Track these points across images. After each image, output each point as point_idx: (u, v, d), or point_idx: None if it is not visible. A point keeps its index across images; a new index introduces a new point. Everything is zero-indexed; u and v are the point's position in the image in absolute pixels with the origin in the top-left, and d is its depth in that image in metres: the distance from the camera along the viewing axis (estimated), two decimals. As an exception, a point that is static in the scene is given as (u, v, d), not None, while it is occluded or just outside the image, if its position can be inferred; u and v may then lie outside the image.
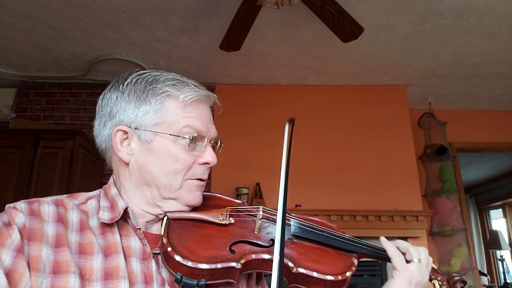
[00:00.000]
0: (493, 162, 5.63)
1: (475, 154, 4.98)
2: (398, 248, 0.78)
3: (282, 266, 0.53)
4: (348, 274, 0.71)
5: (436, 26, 2.80)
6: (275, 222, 0.75)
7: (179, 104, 0.71)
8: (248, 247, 0.70)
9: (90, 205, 0.71)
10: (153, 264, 0.67)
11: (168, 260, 0.64)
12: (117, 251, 0.65)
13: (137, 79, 0.73)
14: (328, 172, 3.41)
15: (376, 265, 3.12)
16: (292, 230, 0.75)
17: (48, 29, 2.86)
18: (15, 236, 0.59)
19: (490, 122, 4.06)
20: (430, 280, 0.80)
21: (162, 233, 0.67)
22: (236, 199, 0.82)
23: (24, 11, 2.65)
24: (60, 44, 3.06)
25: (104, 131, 0.74)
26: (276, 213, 0.66)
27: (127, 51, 3.16)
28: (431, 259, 0.78)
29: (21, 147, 2.97)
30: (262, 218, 0.75)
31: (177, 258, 0.62)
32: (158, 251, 0.68)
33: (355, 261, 0.75)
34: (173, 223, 0.70)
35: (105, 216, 0.68)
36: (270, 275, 0.53)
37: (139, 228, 0.70)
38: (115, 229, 0.68)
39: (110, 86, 0.75)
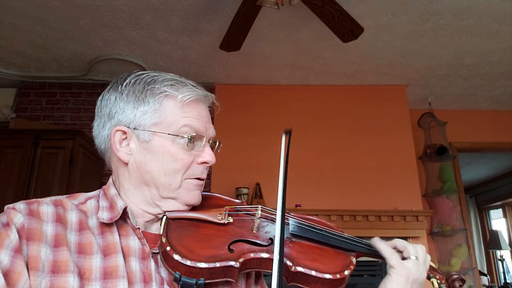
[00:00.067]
0: (493, 162, 5.63)
1: (475, 154, 4.98)
2: (396, 247, 0.78)
3: (282, 264, 0.53)
4: (346, 272, 0.71)
5: (436, 26, 2.80)
6: (274, 221, 0.76)
7: (177, 104, 0.72)
8: (247, 246, 0.70)
9: (89, 205, 0.71)
10: (152, 263, 0.68)
11: (167, 259, 0.64)
12: (116, 250, 0.66)
13: (136, 80, 0.74)
14: (328, 172, 3.41)
15: (376, 265, 3.12)
16: (290, 229, 0.75)
17: (48, 29, 2.86)
18: (13, 236, 0.59)
19: (490, 122, 4.06)
20: (429, 278, 0.80)
21: (161, 233, 0.68)
22: (236, 199, 0.83)
23: (24, 11, 2.65)
24: (60, 44, 3.06)
25: (103, 131, 0.74)
26: (275, 212, 0.66)
27: (127, 51, 3.16)
28: (429, 257, 0.78)
29: (21, 147, 2.97)
30: (260, 217, 0.76)
31: (176, 257, 0.63)
32: (157, 251, 0.68)
33: (354, 260, 0.75)
34: (172, 223, 0.70)
35: (104, 216, 0.69)
36: (269, 274, 0.53)
37: (138, 228, 0.70)
38: (114, 229, 0.69)
39: (109, 87, 0.76)
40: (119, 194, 0.73)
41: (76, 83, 3.62)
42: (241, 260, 0.66)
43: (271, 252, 0.68)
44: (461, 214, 3.73)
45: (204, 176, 0.76)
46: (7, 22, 2.77)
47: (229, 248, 0.68)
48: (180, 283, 0.63)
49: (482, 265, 6.30)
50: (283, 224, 0.57)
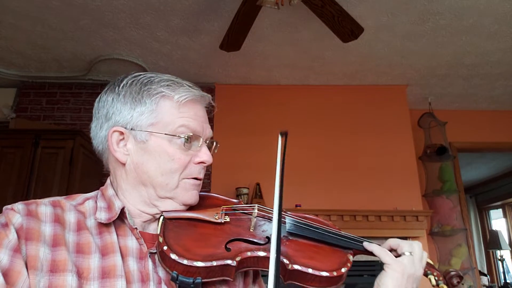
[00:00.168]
0: (493, 162, 5.63)
1: (475, 154, 4.98)
2: (390, 246, 0.79)
3: (279, 262, 0.54)
4: (343, 270, 0.71)
5: (436, 26, 2.80)
6: (271, 220, 0.76)
7: (174, 105, 0.72)
8: (244, 245, 0.70)
9: (88, 206, 0.72)
10: (149, 263, 0.68)
11: (164, 259, 0.64)
12: (114, 250, 0.66)
13: (133, 81, 0.74)
14: (328, 172, 3.41)
15: (376, 265, 3.12)
16: (287, 228, 0.76)
17: (48, 29, 2.86)
18: (12, 236, 0.60)
19: (490, 122, 4.06)
20: (426, 275, 0.80)
21: (158, 232, 0.68)
22: (236, 199, 0.83)
23: (24, 11, 2.65)
24: (60, 44, 3.06)
25: (100, 132, 0.75)
26: (271, 211, 0.66)
27: (127, 51, 3.16)
28: (425, 253, 0.79)
29: (21, 147, 2.97)
30: (257, 216, 0.76)
31: (173, 256, 0.63)
32: (155, 251, 0.69)
33: (351, 258, 0.76)
34: (169, 223, 0.71)
35: (102, 216, 0.69)
36: (267, 272, 0.53)
37: (136, 228, 0.70)
38: (112, 229, 0.69)
39: (106, 89, 0.77)
40: (116, 194, 0.74)
41: (76, 83, 3.62)
42: (238, 258, 0.66)
43: (268, 250, 0.69)
44: (461, 214, 3.73)
45: (201, 176, 0.76)
46: (7, 22, 2.77)
47: (226, 247, 0.68)
48: (178, 282, 0.63)
49: (482, 265, 6.30)
50: (280, 222, 0.57)
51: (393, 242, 0.79)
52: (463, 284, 3.46)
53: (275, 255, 0.52)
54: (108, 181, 0.77)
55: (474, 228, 6.61)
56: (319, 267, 0.70)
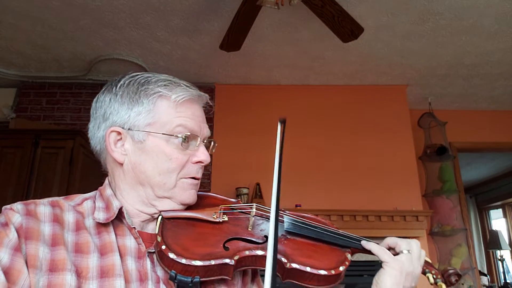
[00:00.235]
0: (493, 162, 5.63)
1: (475, 154, 4.98)
2: (388, 245, 0.79)
3: (276, 260, 0.54)
4: (341, 268, 0.72)
5: (436, 26, 2.80)
6: (269, 219, 0.76)
7: (171, 104, 0.73)
8: (242, 244, 0.71)
9: (86, 206, 0.72)
10: (148, 262, 0.68)
11: (163, 258, 0.65)
12: (113, 249, 0.66)
13: (130, 81, 0.74)
14: (328, 172, 3.41)
15: (376, 265, 3.11)
16: (285, 227, 0.76)
17: (48, 29, 2.86)
18: (12, 235, 0.60)
19: (490, 122, 4.06)
20: (424, 273, 0.80)
21: (157, 232, 0.68)
22: (235, 199, 0.83)
23: (24, 11, 2.66)
24: (60, 44, 3.06)
25: (98, 133, 0.75)
26: (269, 210, 0.67)
27: (127, 51, 3.17)
28: (423, 252, 0.79)
29: (21, 147, 2.97)
30: (255, 215, 0.76)
31: (171, 255, 0.63)
32: (153, 250, 0.69)
33: (349, 256, 0.76)
34: (168, 222, 0.71)
35: (100, 216, 0.69)
36: (264, 270, 0.53)
37: (134, 228, 0.71)
38: (111, 228, 0.69)
39: (103, 89, 0.77)
40: (115, 194, 0.74)
41: (76, 83, 3.62)
42: (236, 257, 0.66)
43: (266, 249, 0.69)
44: (461, 214, 3.73)
45: (199, 175, 0.76)
46: (7, 22, 2.77)
47: (224, 246, 0.68)
48: (176, 281, 0.63)
49: (482, 265, 6.31)
50: (277, 220, 0.58)
51: (391, 240, 0.80)
52: (463, 284, 3.46)
53: (273, 250, 0.52)
54: (106, 181, 0.78)
55: (474, 228, 6.61)
56: (317, 265, 0.70)
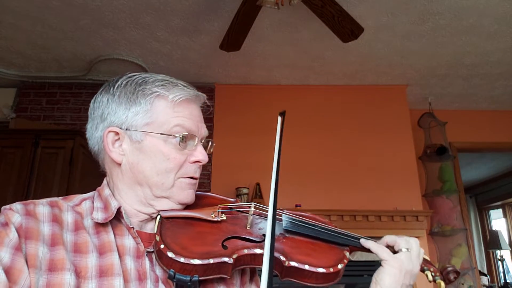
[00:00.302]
0: (493, 162, 5.63)
1: (475, 154, 4.98)
2: (387, 243, 0.79)
3: (272, 258, 0.54)
4: (339, 266, 0.72)
5: (436, 26, 2.80)
6: (267, 218, 0.77)
7: (168, 104, 0.73)
8: (240, 242, 0.71)
9: (84, 206, 0.72)
10: (147, 262, 0.69)
11: (162, 257, 0.65)
12: (112, 249, 0.67)
13: (127, 81, 0.75)
14: (328, 172, 3.41)
15: (376, 265, 3.11)
16: (283, 225, 0.76)
17: (48, 29, 2.86)
18: (13, 235, 0.60)
19: (490, 122, 4.06)
20: (423, 271, 0.80)
21: (155, 231, 0.69)
22: (233, 199, 0.83)
23: (24, 11, 2.66)
24: (60, 44, 3.06)
25: (96, 133, 0.76)
26: (268, 209, 0.67)
27: (127, 51, 3.17)
28: (422, 250, 0.79)
29: (21, 147, 2.97)
30: (253, 214, 0.77)
31: (170, 254, 0.63)
32: (152, 250, 0.69)
33: (347, 254, 0.76)
34: (166, 222, 0.71)
35: (99, 216, 0.70)
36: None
37: (133, 227, 0.71)
38: (109, 228, 0.70)
39: (101, 90, 0.77)
40: (113, 194, 0.74)
41: (76, 83, 3.62)
42: (234, 256, 0.66)
43: (264, 248, 0.69)
44: (461, 214, 3.73)
45: (197, 175, 0.76)
46: (7, 22, 2.77)
47: (222, 244, 0.69)
48: (175, 280, 0.63)
49: (482, 265, 6.30)
50: (275, 215, 0.58)
51: (389, 238, 0.79)
52: (463, 284, 3.46)
53: (269, 250, 0.52)
54: (104, 181, 0.78)
55: (474, 228, 6.61)
56: (315, 263, 0.70)
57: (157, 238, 0.66)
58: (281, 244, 0.73)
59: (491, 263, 6.38)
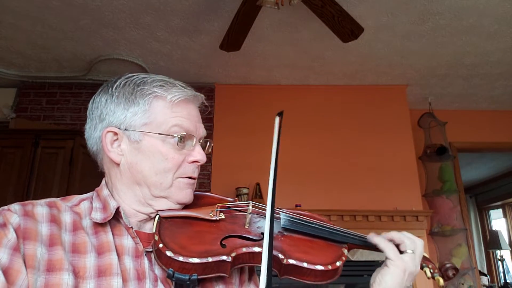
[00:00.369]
0: (493, 162, 5.63)
1: (475, 154, 4.98)
2: (393, 239, 0.79)
3: (271, 256, 0.54)
4: (338, 264, 0.72)
5: (436, 26, 2.80)
6: (265, 216, 0.77)
7: (166, 104, 0.73)
8: (239, 241, 0.71)
9: (83, 207, 0.72)
10: (145, 261, 0.69)
11: (160, 257, 0.65)
12: (110, 249, 0.67)
13: (126, 82, 0.75)
14: (328, 172, 3.41)
15: (376, 265, 3.12)
16: (281, 223, 0.76)
17: (48, 29, 2.86)
18: (11, 235, 0.60)
19: (490, 122, 4.06)
20: (422, 268, 0.80)
21: (154, 231, 0.69)
22: (231, 198, 0.84)
23: (24, 11, 2.66)
24: (60, 44, 3.06)
25: (95, 133, 0.76)
26: (266, 207, 0.68)
27: (127, 51, 3.17)
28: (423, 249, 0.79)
29: (21, 147, 2.97)
30: (252, 213, 0.77)
31: (169, 253, 0.64)
32: (151, 249, 0.69)
33: (345, 251, 0.76)
34: (165, 221, 0.71)
35: (98, 216, 0.70)
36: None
37: (131, 227, 0.71)
38: (108, 228, 0.70)
39: (99, 90, 0.78)
40: (111, 194, 0.74)
41: (76, 83, 3.62)
42: (233, 254, 0.67)
43: (263, 246, 0.69)
44: (461, 214, 3.73)
45: (195, 175, 0.77)
46: (7, 22, 2.77)
47: (221, 243, 0.69)
48: (174, 279, 0.63)
49: (482, 265, 6.30)
50: (273, 213, 0.58)
51: (396, 236, 0.79)
52: (463, 284, 3.46)
53: (268, 248, 0.52)
54: (103, 181, 0.78)
55: (474, 228, 6.61)
56: (314, 261, 0.70)
57: (156, 237, 0.67)
58: (279, 242, 0.73)
59: (491, 263, 6.38)
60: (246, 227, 0.75)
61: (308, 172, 3.39)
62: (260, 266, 0.57)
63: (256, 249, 0.69)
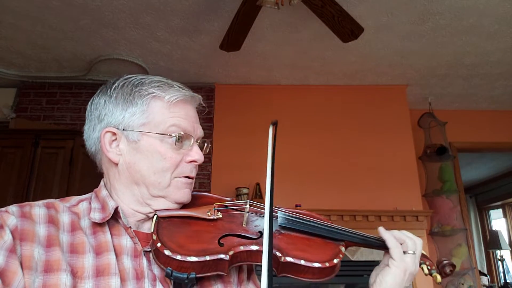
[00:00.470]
0: (493, 162, 5.63)
1: (475, 154, 4.98)
2: (394, 238, 0.80)
3: (271, 256, 0.55)
4: (335, 261, 0.72)
5: (436, 26, 2.80)
6: (263, 215, 0.78)
7: (164, 105, 0.74)
8: (237, 239, 0.71)
9: (82, 207, 0.73)
10: (144, 261, 0.69)
11: (159, 256, 0.65)
12: (108, 249, 0.67)
13: (124, 83, 0.76)
14: (328, 172, 3.41)
15: (376, 265, 3.12)
16: (279, 222, 0.77)
17: (48, 29, 2.86)
18: (7, 237, 0.61)
19: (490, 122, 4.06)
20: (419, 265, 0.81)
21: (152, 231, 0.69)
22: (230, 198, 0.84)
23: (24, 11, 2.66)
24: (60, 44, 3.06)
25: (93, 134, 0.77)
26: (263, 206, 0.68)
27: (127, 51, 3.17)
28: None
29: (21, 147, 2.97)
30: (249, 212, 0.78)
31: (167, 252, 0.64)
32: (149, 249, 0.70)
33: (343, 249, 0.77)
34: (163, 221, 0.72)
35: (96, 216, 0.70)
36: (260, 265, 0.54)
37: (130, 227, 0.71)
38: (106, 228, 0.70)
39: (98, 92, 0.79)
40: (110, 195, 0.75)
41: (76, 83, 3.62)
42: (231, 253, 0.67)
43: (260, 244, 0.70)
44: (461, 214, 3.73)
45: (193, 174, 0.77)
46: (7, 22, 2.77)
47: (219, 242, 0.69)
48: (172, 278, 0.64)
49: (482, 265, 6.31)
50: (271, 216, 0.59)
51: (398, 235, 0.80)
52: (463, 284, 3.46)
53: (268, 248, 0.52)
54: (101, 182, 0.78)
55: (474, 228, 6.61)
56: (311, 258, 0.71)
57: (154, 237, 0.67)
58: (277, 241, 0.74)
59: (491, 263, 6.38)
60: (243, 226, 0.75)
61: (308, 172, 3.39)
62: (258, 265, 0.57)
63: (254, 248, 0.70)
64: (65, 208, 0.71)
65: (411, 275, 0.75)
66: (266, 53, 3.20)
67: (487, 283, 5.03)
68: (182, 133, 0.74)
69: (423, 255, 0.82)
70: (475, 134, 4.02)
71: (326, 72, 3.49)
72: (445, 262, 0.82)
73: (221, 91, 3.67)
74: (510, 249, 6.02)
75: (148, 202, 0.74)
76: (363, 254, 3.13)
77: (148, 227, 0.75)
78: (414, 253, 0.76)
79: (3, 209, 0.65)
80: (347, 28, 2.33)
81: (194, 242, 0.68)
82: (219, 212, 0.76)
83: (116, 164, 0.74)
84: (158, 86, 0.75)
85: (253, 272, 0.83)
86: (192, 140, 0.76)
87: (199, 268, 0.65)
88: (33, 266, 0.60)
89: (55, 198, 0.74)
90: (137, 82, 0.75)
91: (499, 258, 6.07)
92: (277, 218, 0.78)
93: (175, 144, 0.73)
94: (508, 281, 5.98)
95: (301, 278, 0.71)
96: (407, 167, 3.45)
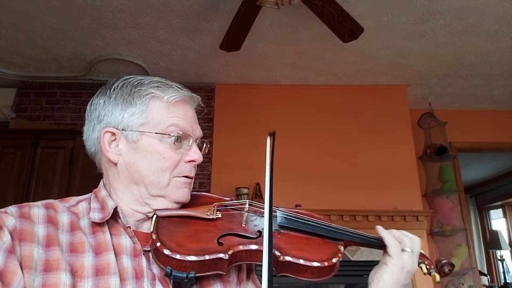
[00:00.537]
0: (493, 162, 5.63)
1: (475, 154, 4.98)
2: (392, 236, 0.80)
3: (271, 256, 0.55)
4: (334, 260, 0.73)
5: (436, 26, 2.80)
6: (262, 215, 0.79)
7: (163, 105, 0.75)
8: (236, 239, 0.72)
9: (81, 207, 0.73)
10: (143, 260, 0.69)
11: (158, 255, 0.66)
12: (108, 248, 0.67)
13: (123, 83, 0.77)
14: (328, 172, 3.41)
15: (376, 265, 3.12)
16: (278, 221, 0.77)
17: (48, 29, 2.86)
18: (6, 238, 0.61)
19: (490, 122, 4.06)
20: (418, 264, 0.81)
21: (152, 230, 0.69)
22: (230, 197, 0.85)
23: (24, 11, 2.66)
24: (60, 44, 3.06)
25: (93, 134, 0.77)
26: (262, 206, 0.68)
27: (127, 51, 3.17)
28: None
29: (21, 147, 2.97)
30: (248, 211, 0.78)
31: (166, 252, 0.64)
32: (149, 249, 0.70)
33: (342, 248, 0.77)
34: (162, 221, 0.72)
35: (96, 216, 0.70)
36: (259, 265, 0.54)
37: (129, 227, 0.72)
38: (106, 228, 0.70)
39: (98, 93, 0.80)
40: (109, 195, 0.75)
41: (76, 83, 3.62)
42: (230, 252, 0.67)
43: (259, 244, 0.70)
44: (461, 214, 3.73)
45: (192, 174, 0.78)
46: (7, 22, 2.77)
47: (218, 241, 0.70)
48: (171, 277, 0.64)
49: (482, 265, 6.30)
50: (271, 215, 0.59)
51: (396, 234, 0.80)
52: (463, 284, 3.46)
53: (268, 247, 0.52)
54: (101, 183, 0.79)
55: (474, 228, 6.61)
56: (310, 258, 0.71)
57: (153, 236, 0.67)
58: (276, 240, 0.74)
59: (491, 263, 6.38)
60: (243, 225, 0.76)
61: (308, 172, 3.39)
62: (257, 264, 0.57)
63: (253, 247, 0.70)
64: (64, 208, 0.71)
65: (409, 273, 0.76)
66: (266, 53, 3.20)
67: (487, 283, 5.03)
68: (181, 133, 0.74)
69: (422, 255, 0.82)
70: (475, 134, 4.02)
71: (326, 72, 3.49)
72: (444, 261, 0.82)
73: (221, 91, 3.67)
74: (510, 249, 6.02)
75: (147, 202, 0.74)
76: (363, 254, 3.13)
77: (147, 227, 0.75)
78: (411, 251, 0.77)
79: (2, 210, 0.66)
80: (347, 28, 2.33)
81: (194, 241, 0.68)
82: (219, 212, 0.76)
83: (116, 164, 0.75)
84: (157, 87, 0.75)
85: (252, 271, 0.84)
86: (191, 140, 0.76)
87: (198, 268, 0.65)
88: (32, 266, 0.60)
89: (55, 198, 0.74)
90: (136, 83, 0.76)
91: (499, 258, 6.07)
92: (276, 217, 0.78)
93: (174, 143, 0.73)
94: (508, 281, 5.98)
95: (300, 277, 0.71)
96: (407, 167, 3.45)
